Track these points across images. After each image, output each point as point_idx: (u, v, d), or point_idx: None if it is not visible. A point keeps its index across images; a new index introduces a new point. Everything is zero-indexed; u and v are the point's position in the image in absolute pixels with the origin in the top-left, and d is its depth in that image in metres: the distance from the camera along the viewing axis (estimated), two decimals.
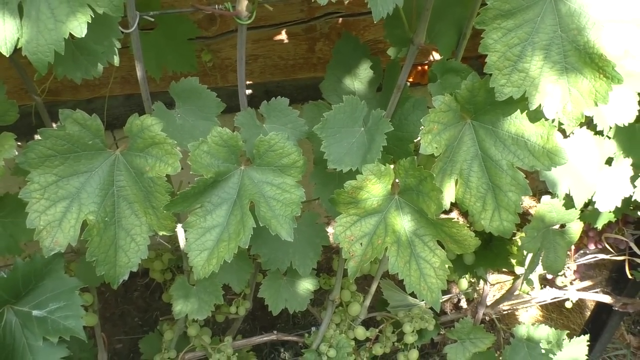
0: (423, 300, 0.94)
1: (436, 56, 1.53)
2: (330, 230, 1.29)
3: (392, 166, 0.92)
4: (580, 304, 2.03)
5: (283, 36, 1.47)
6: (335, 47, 1.11)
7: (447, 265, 0.92)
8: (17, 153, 0.81)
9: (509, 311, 1.74)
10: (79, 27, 0.66)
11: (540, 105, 0.80)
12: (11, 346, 0.87)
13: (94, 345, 1.29)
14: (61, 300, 0.88)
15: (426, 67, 1.54)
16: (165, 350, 1.32)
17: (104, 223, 0.85)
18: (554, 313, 2.00)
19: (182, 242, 1.12)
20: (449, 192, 0.91)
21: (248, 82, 1.55)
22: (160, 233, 0.87)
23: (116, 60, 0.82)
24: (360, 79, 1.09)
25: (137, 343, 1.53)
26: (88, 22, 0.67)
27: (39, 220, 0.82)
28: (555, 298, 1.57)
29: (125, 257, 0.87)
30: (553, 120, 0.84)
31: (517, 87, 0.79)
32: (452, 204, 0.94)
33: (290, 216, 0.86)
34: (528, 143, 0.87)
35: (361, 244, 0.91)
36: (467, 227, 0.88)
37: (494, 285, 1.89)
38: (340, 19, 1.46)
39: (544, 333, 1.34)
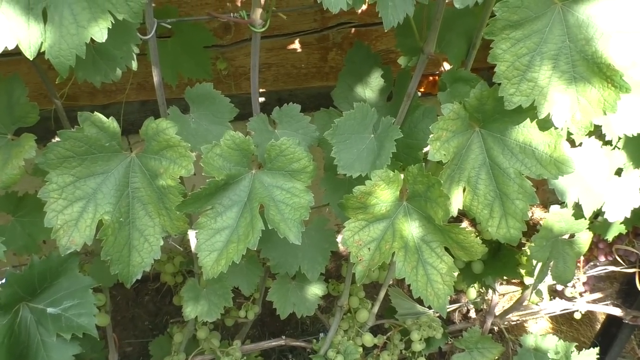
0: (430, 307, 0.95)
1: (447, 67, 1.55)
2: (340, 238, 1.30)
3: (401, 173, 0.94)
4: (590, 317, 2.02)
5: (296, 45, 1.49)
6: (347, 56, 1.13)
7: (454, 272, 0.93)
8: (35, 154, 0.84)
9: (518, 322, 1.74)
10: (99, 32, 0.69)
11: (549, 114, 0.81)
12: (26, 342, 0.89)
13: (105, 346, 1.31)
14: (75, 298, 0.90)
15: (437, 77, 1.56)
16: (174, 353, 1.34)
17: (119, 223, 0.88)
18: (564, 325, 1.99)
19: (193, 245, 1.14)
20: (457, 199, 0.93)
21: (261, 90, 1.57)
22: (173, 234, 0.89)
23: (134, 65, 0.85)
24: (371, 87, 1.11)
25: (147, 346, 1.55)
26: (108, 28, 0.69)
27: (57, 220, 0.84)
28: (564, 310, 1.57)
29: (138, 256, 0.89)
30: (562, 130, 0.85)
31: (526, 96, 0.80)
32: (462, 212, 0.96)
33: (298, 220, 0.88)
34: (536, 152, 0.88)
35: (369, 248, 0.92)
36: (475, 234, 0.89)
37: (503, 295, 1.89)
38: (353, 29, 1.48)
39: (552, 344, 1.34)
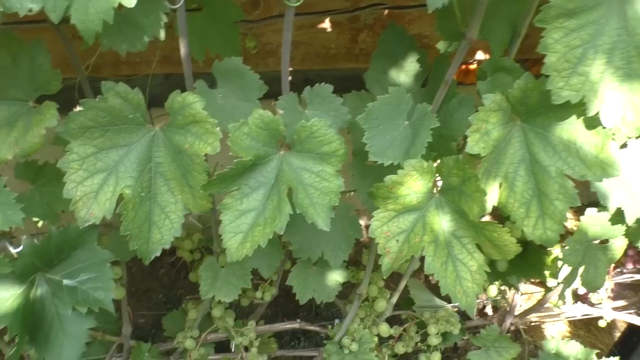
0: (456, 303, 0.91)
1: (480, 55, 1.49)
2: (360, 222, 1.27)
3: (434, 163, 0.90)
4: (610, 324, 1.96)
5: (326, 25, 1.45)
6: (381, 37, 1.08)
7: (484, 270, 0.89)
8: (57, 123, 0.81)
9: (536, 323, 1.70)
10: None
11: (598, 112, 0.76)
12: (41, 313, 0.88)
13: (119, 318, 1.30)
14: (92, 271, 0.88)
15: (470, 66, 1.50)
16: (188, 329, 1.33)
17: (140, 198, 0.85)
18: (582, 330, 1.94)
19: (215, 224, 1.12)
20: (492, 195, 0.88)
21: (289, 69, 1.54)
22: (195, 212, 0.86)
23: (162, 34, 0.81)
24: (405, 71, 1.06)
25: (160, 319, 1.55)
26: None
27: (76, 191, 0.82)
28: (585, 315, 1.52)
29: (158, 233, 0.87)
30: (610, 129, 0.80)
31: (575, 92, 0.75)
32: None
33: (328, 205, 0.85)
34: (580, 151, 0.83)
35: (397, 240, 0.89)
36: (510, 233, 0.84)
37: (522, 295, 1.84)
38: (386, 10, 1.43)
39: (574, 350, 1.30)
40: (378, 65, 1.06)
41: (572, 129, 0.83)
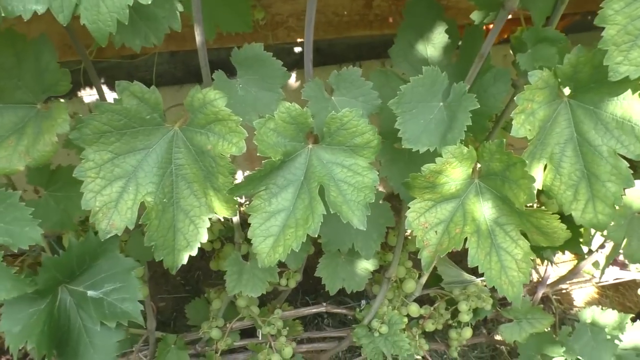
0: (500, 293, 0.87)
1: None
2: None
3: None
4: (637, 282, 1.94)
5: None
6: (406, 7, 0.99)
7: (530, 257, 0.84)
8: (69, 128, 0.75)
9: (565, 290, 1.67)
10: None
11: None
12: (66, 327, 0.84)
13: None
14: (117, 281, 0.84)
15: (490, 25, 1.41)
16: (213, 319, 1.30)
17: (162, 205, 0.79)
18: (610, 290, 1.92)
19: (234, 216, 1.07)
20: (537, 178, 0.82)
21: (298, 40, 1.45)
22: (221, 216, 0.80)
23: (177, 25, 0.74)
24: (434, 44, 0.98)
25: (180, 302, 1.51)
26: None
27: (95, 201, 0.76)
28: (617, 279, 1.49)
29: (184, 240, 0.81)
30: None
31: (635, 66, 0.68)
32: None
33: (363, 202, 0.78)
34: (636, 128, 0.76)
35: (436, 231, 0.83)
36: (558, 218, 0.79)
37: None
38: None
39: (610, 319, 1.26)
40: (404, 39, 0.98)
41: (626, 105, 0.76)
